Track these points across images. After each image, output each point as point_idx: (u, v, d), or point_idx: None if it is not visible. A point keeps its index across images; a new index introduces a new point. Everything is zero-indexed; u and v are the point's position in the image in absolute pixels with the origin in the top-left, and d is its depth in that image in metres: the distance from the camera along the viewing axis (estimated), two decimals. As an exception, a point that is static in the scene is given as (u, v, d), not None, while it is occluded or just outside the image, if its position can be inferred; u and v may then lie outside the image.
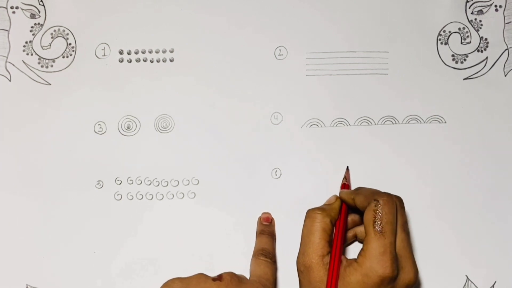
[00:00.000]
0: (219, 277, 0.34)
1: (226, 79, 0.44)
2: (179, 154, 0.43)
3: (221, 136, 0.43)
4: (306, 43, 0.44)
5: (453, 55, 0.44)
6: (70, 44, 0.44)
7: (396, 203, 0.34)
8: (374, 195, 0.35)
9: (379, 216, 0.33)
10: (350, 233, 0.40)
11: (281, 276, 0.41)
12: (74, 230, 0.42)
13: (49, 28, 0.44)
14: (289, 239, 0.42)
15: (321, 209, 0.37)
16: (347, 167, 0.42)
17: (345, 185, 0.41)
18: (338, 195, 0.39)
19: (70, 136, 0.43)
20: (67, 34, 0.44)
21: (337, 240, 0.35)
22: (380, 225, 0.33)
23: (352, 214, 0.40)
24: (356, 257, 0.34)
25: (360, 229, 0.40)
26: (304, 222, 0.36)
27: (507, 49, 0.44)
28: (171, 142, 0.43)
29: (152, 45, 0.44)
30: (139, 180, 0.43)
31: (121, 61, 0.44)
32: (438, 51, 0.44)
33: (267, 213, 0.42)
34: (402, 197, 0.36)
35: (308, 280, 0.34)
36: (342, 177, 0.42)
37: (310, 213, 0.36)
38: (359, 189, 0.38)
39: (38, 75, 0.44)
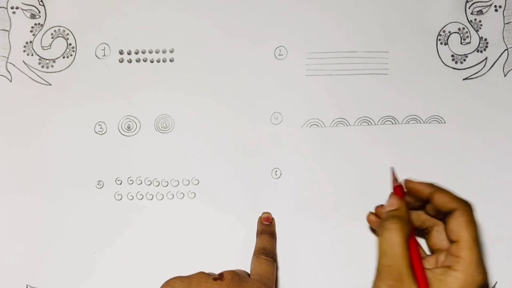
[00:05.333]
0: (220, 276, 0.34)
1: (226, 79, 0.44)
2: (179, 154, 0.43)
3: (221, 136, 0.43)
4: (306, 43, 0.44)
5: (452, 55, 0.44)
6: (70, 44, 0.44)
7: None
8: (461, 200, 0.34)
9: (474, 224, 0.33)
10: None
11: (281, 276, 0.41)
12: (74, 230, 0.42)
13: (49, 28, 0.44)
14: (289, 239, 0.42)
15: (397, 217, 0.34)
16: (392, 168, 0.39)
17: (400, 186, 0.37)
18: (394, 194, 0.36)
19: (70, 136, 0.43)
20: (67, 34, 0.44)
21: (417, 247, 0.34)
22: (476, 233, 0.33)
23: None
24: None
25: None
26: (383, 235, 0.33)
27: (507, 49, 0.44)
28: (171, 142, 0.43)
29: (152, 45, 0.44)
30: (139, 180, 0.43)
31: (121, 61, 0.44)
32: (438, 51, 0.44)
33: (268, 213, 0.42)
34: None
35: None
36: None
37: (387, 224, 0.33)
38: (436, 186, 0.36)
39: (38, 76, 0.44)
